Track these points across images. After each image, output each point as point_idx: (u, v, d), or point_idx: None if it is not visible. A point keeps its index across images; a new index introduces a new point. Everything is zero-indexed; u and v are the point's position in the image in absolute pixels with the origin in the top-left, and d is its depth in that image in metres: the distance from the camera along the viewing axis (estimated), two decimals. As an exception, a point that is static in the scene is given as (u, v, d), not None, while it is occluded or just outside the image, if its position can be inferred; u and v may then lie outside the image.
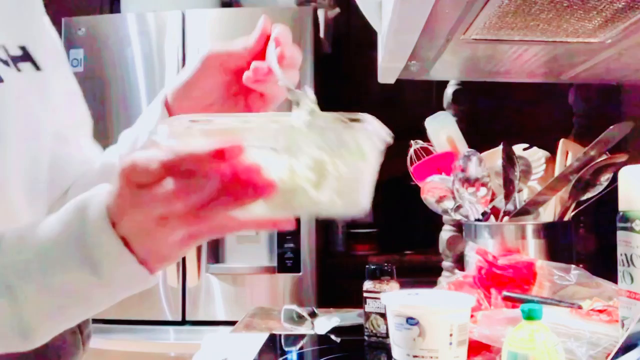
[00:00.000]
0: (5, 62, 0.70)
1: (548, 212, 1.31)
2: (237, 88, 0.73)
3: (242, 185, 0.49)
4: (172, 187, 0.50)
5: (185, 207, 0.50)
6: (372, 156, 0.50)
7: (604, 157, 1.20)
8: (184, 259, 2.24)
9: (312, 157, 0.48)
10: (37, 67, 0.74)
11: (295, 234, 2.23)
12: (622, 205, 0.82)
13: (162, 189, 0.50)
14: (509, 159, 1.27)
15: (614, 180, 1.07)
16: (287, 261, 2.23)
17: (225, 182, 0.49)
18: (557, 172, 1.31)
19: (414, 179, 1.41)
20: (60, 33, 1.62)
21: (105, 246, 0.53)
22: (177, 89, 0.75)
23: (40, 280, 0.54)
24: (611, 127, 1.19)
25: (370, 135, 0.49)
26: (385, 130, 0.52)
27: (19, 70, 0.71)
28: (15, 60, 0.72)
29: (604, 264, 1.28)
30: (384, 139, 0.51)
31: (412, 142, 1.43)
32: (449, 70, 1.40)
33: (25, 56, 0.73)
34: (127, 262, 0.53)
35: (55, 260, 0.54)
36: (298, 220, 2.40)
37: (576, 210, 1.28)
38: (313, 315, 1.37)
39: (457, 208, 1.31)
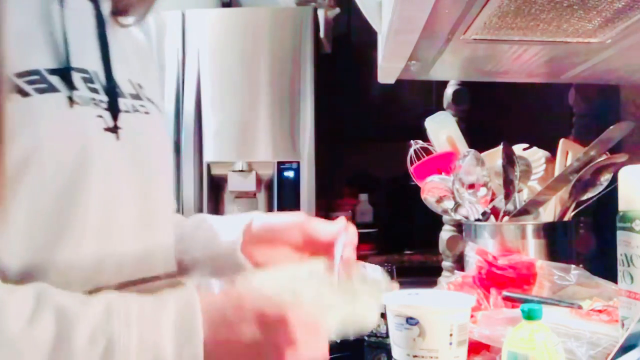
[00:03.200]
0: (149, 100, 0.84)
1: (548, 212, 1.31)
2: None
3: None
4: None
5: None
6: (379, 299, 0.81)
7: (604, 157, 1.20)
8: (184, 259, 2.25)
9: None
10: (159, 110, 0.87)
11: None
12: (622, 205, 0.82)
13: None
14: (509, 159, 1.27)
15: (614, 180, 1.07)
16: (287, 261, 2.22)
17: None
18: (557, 172, 1.31)
19: (414, 179, 1.41)
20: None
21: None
22: (263, 230, 0.89)
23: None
24: (611, 127, 1.19)
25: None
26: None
27: (148, 112, 0.84)
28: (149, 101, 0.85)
29: (604, 264, 1.28)
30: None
31: (412, 142, 1.43)
32: (449, 70, 1.40)
33: (142, 95, 0.86)
34: None
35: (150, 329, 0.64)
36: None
37: (576, 210, 1.28)
38: (313, 315, 1.37)
39: (457, 208, 1.31)
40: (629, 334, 0.73)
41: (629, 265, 0.80)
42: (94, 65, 0.77)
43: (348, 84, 2.75)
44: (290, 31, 2.26)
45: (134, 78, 0.84)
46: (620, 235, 0.82)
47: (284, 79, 2.24)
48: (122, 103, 0.79)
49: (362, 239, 3.00)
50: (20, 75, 0.67)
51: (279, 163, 2.24)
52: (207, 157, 2.26)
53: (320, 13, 2.39)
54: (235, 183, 2.23)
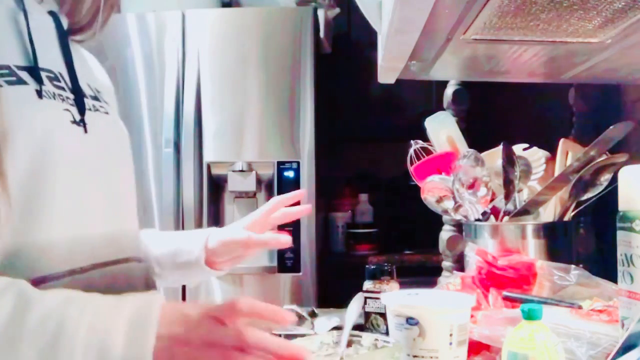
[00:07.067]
0: (107, 103, 0.91)
1: (548, 212, 1.31)
2: None
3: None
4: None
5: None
6: None
7: (604, 157, 1.20)
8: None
9: None
10: (107, 112, 0.91)
11: (295, 234, 2.23)
12: (622, 205, 0.82)
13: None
14: (509, 159, 1.27)
15: (614, 180, 1.07)
16: (287, 261, 2.23)
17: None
18: (557, 172, 1.31)
19: (414, 179, 1.41)
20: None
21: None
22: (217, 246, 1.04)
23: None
24: (611, 127, 1.19)
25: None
26: None
27: (108, 112, 0.89)
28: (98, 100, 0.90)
29: (604, 264, 1.28)
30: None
31: (412, 142, 1.43)
32: (449, 70, 1.40)
33: (100, 99, 0.91)
34: None
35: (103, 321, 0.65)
36: (298, 220, 2.40)
37: (576, 210, 1.28)
38: (313, 315, 1.37)
39: (457, 208, 1.31)
40: (629, 334, 0.73)
41: (629, 265, 0.80)
42: (59, 68, 0.83)
43: (348, 84, 2.75)
44: (290, 31, 2.26)
45: (92, 84, 0.90)
46: (620, 235, 0.82)
47: (284, 79, 2.24)
48: (86, 102, 0.84)
49: (362, 239, 3.00)
50: None
51: (279, 163, 2.24)
52: (207, 157, 2.26)
53: (320, 13, 2.39)
54: (235, 183, 2.23)
